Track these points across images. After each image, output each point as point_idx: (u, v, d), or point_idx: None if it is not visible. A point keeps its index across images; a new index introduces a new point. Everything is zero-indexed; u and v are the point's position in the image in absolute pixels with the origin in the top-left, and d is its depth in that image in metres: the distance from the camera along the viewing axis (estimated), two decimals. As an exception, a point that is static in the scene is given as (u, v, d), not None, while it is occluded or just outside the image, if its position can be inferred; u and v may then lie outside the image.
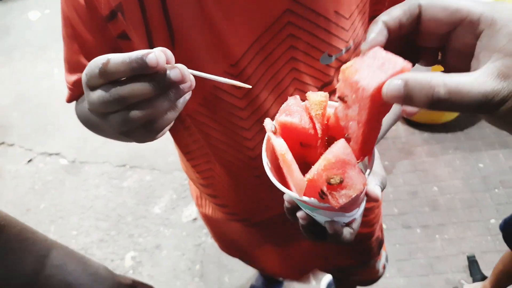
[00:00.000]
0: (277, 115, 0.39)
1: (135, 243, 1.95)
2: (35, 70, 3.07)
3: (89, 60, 0.59)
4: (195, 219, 2.00)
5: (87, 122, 0.68)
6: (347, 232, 0.47)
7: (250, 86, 0.41)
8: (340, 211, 0.41)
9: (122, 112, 0.36)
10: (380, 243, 1.05)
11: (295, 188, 0.38)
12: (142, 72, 0.34)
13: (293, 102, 0.39)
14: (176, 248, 1.91)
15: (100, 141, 2.46)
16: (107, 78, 0.35)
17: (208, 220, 0.98)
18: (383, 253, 1.10)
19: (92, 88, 0.36)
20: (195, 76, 0.38)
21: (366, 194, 0.44)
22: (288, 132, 0.39)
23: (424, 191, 1.97)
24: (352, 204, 0.41)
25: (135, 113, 0.36)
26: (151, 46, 0.55)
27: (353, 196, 0.34)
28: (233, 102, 0.60)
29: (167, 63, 0.35)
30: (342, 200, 0.34)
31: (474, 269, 1.66)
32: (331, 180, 0.34)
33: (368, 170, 0.39)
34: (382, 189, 0.46)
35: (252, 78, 0.57)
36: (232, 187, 0.75)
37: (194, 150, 0.73)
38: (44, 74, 3.00)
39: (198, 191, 0.92)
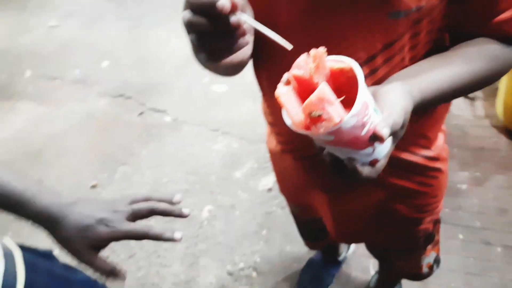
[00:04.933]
0: (291, 69, 0.48)
1: (213, 200, 2.15)
2: (156, 36, 3.46)
3: None
4: (270, 189, 2.13)
5: None
6: (367, 170, 0.52)
7: (291, 46, 0.47)
8: (347, 146, 0.49)
9: (191, 34, 0.48)
10: (429, 238, 1.01)
11: (294, 122, 0.48)
12: (209, 11, 0.43)
13: (303, 58, 0.48)
14: (248, 212, 2.06)
15: (200, 105, 2.72)
16: (189, 6, 0.46)
17: (272, 155, 1.03)
18: (432, 253, 1.06)
19: (185, 8, 0.48)
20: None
21: (373, 133, 0.47)
22: (300, 84, 0.48)
23: (515, 210, 1.81)
24: (351, 139, 0.47)
25: (193, 37, 0.48)
26: None
27: (331, 126, 0.43)
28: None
29: (233, 9, 0.44)
30: (322, 130, 0.44)
31: (556, 303, 1.51)
32: (312, 114, 0.44)
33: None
34: (392, 133, 0.49)
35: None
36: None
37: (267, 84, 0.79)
38: (163, 42, 3.36)
39: (269, 128, 0.98)
